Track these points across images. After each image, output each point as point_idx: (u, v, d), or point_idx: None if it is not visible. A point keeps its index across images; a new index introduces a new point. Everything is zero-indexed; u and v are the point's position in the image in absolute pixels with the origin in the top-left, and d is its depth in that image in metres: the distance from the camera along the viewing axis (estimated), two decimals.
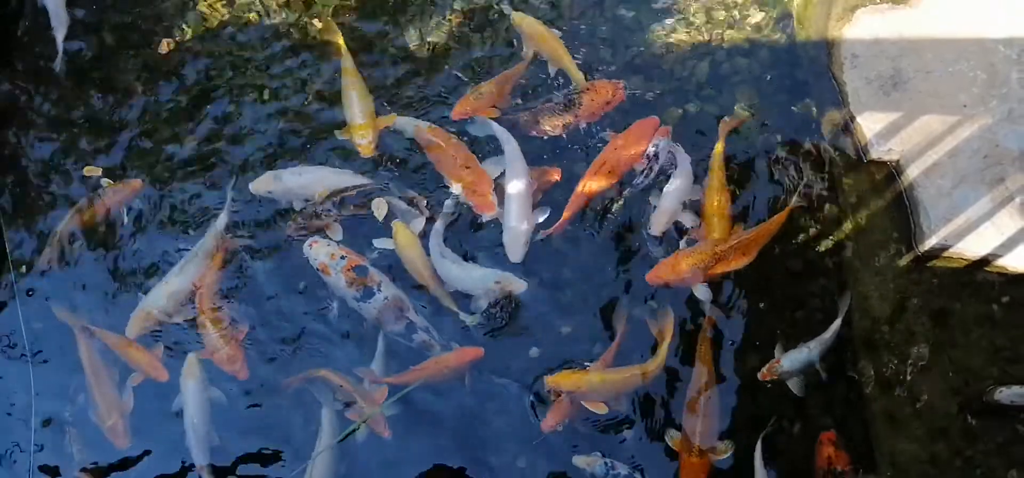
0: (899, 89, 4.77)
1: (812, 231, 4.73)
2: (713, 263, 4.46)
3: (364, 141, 4.79)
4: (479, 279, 4.48)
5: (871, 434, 4.29)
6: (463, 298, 4.52)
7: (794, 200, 4.65)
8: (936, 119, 4.63)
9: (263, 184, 4.66)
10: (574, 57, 5.13)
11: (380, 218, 4.66)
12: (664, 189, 4.73)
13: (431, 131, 4.83)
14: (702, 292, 4.51)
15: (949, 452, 4.17)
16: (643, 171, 4.75)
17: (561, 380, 4.27)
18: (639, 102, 5.06)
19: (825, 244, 4.69)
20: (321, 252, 4.51)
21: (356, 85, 4.94)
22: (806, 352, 4.36)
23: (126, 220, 4.73)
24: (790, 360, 4.35)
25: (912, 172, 4.55)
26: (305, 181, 4.69)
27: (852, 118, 4.80)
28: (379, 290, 4.41)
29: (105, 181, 4.77)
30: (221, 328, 4.36)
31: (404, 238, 4.58)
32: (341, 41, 5.07)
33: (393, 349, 4.43)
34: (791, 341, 4.43)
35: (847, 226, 4.70)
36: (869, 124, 4.73)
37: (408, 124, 4.90)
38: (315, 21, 5.31)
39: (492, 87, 4.99)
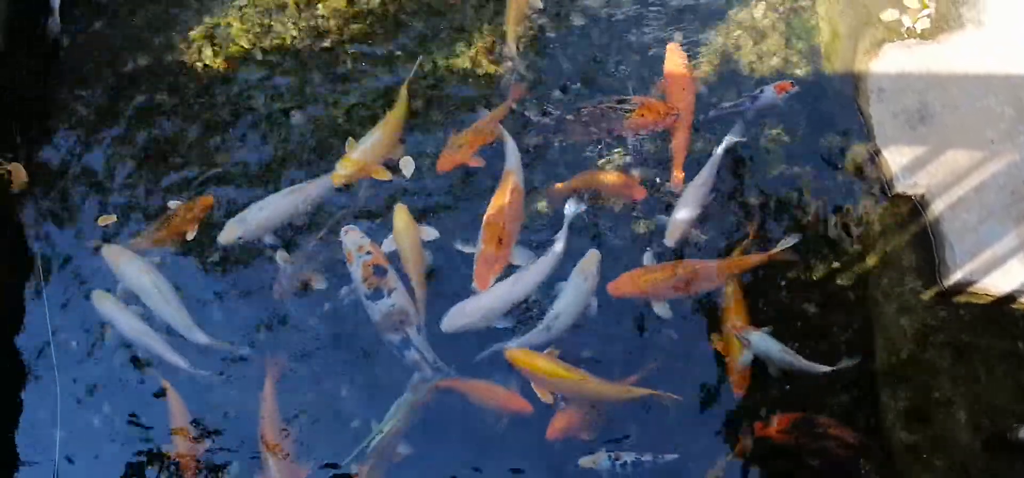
0: (925, 123, 4.76)
1: (837, 263, 4.72)
2: (674, 283, 4.52)
3: (341, 171, 4.80)
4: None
5: (893, 468, 4.25)
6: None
7: (779, 248, 4.65)
8: (962, 154, 4.60)
9: (230, 233, 4.62)
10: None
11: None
12: (679, 200, 4.78)
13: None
14: (661, 309, 4.53)
15: None
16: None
17: (516, 355, 4.35)
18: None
19: (849, 276, 4.68)
20: (351, 240, 4.61)
21: (384, 128, 4.95)
22: (780, 351, 4.39)
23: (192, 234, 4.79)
24: (758, 340, 4.41)
25: (938, 206, 4.53)
26: (268, 214, 4.68)
27: (878, 151, 4.80)
28: (388, 295, 4.47)
29: (173, 203, 4.82)
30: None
31: (402, 221, 4.68)
32: (405, 94, 5.10)
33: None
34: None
35: (871, 259, 4.68)
36: (895, 157, 4.72)
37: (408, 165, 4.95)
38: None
39: (470, 136, 4.97)
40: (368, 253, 4.56)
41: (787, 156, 5.05)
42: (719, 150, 4.89)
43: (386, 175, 4.85)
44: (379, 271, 4.52)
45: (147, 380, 4.47)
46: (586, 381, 4.32)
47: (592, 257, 4.63)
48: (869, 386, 4.44)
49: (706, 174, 4.84)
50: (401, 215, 4.70)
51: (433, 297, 4.61)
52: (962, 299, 4.38)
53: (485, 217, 4.67)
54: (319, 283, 4.61)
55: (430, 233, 4.75)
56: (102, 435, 4.39)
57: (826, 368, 4.36)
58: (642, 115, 4.99)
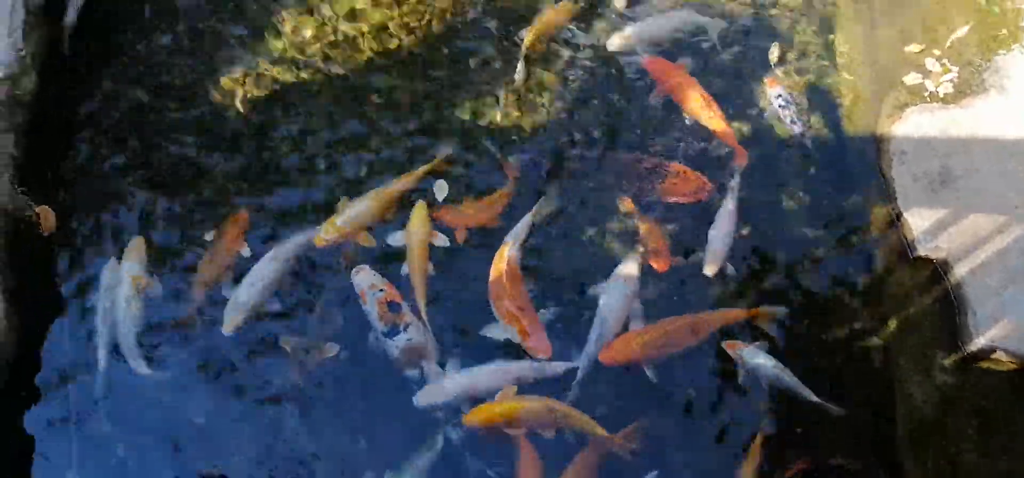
0: (947, 187, 4.74)
1: (857, 326, 4.68)
2: (665, 343, 4.49)
3: (325, 235, 4.77)
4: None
5: None
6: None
7: (765, 308, 4.66)
8: (985, 218, 4.58)
9: (232, 322, 4.58)
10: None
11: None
12: (711, 229, 4.83)
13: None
14: (652, 373, 4.47)
15: None
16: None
17: (473, 417, 4.30)
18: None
19: (870, 340, 4.64)
20: (364, 280, 4.63)
21: (376, 197, 4.93)
22: (773, 368, 4.44)
23: (247, 251, 4.86)
24: (752, 355, 4.45)
25: (960, 270, 4.49)
26: (261, 287, 4.65)
27: (899, 214, 4.77)
28: (404, 330, 4.49)
29: (209, 235, 4.87)
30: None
31: (418, 219, 4.78)
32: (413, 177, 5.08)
33: None
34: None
35: (893, 322, 4.64)
36: (916, 221, 4.70)
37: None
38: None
39: (473, 208, 4.97)
40: (381, 290, 4.59)
41: (808, 217, 5.04)
42: (734, 182, 4.98)
43: (371, 242, 4.83)
44: (394, 307, 4.54)
45: (165, 424, 4.48)
46: (551, 407, 4.30)
47: (632, 262, 4.70)
48: (890, 451, 4.37)
49: (729, 204, 4.91)
50: (419, 213, 4.79)
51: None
52: (985, 365, 4.32)
53: (501, 299, 4.63)
54: (330, 353, 4.56)
55: (442, 240, 4.82)
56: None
57: (815, 398, 4.36)
58: (675, 184, 4.98)
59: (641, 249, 4.80)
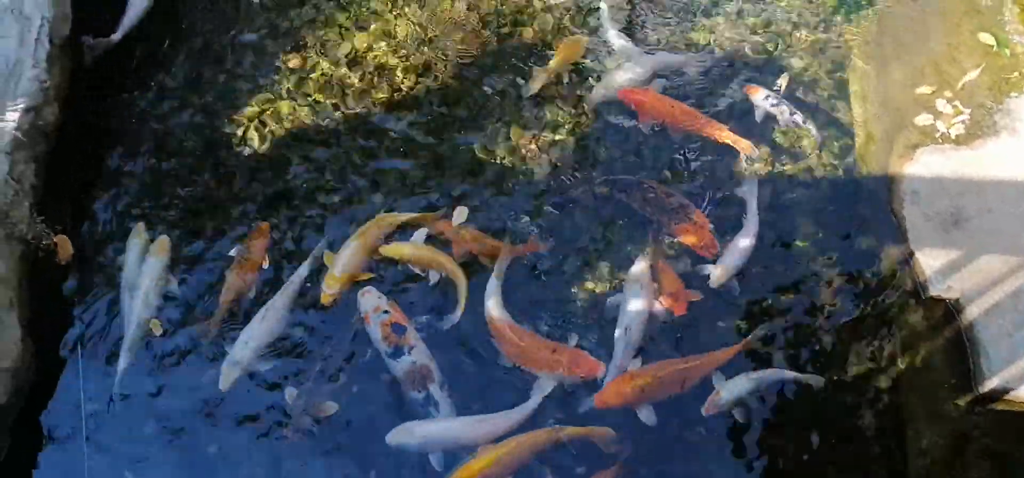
0: (959, 227, 4.75)
1: (869, 366, 4.68)
2: (658, 386, 4.46)
3: (328, 290, 4.76)
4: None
5: None
6: None
7: (752, 336, 4.67)
8: (997, 259, 4.58)
9: (228, 379, 4.55)
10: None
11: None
12: (730, 244, 4.90)
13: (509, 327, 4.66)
14: (646, 415, 4.45)
15: None
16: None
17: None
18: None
19: (881, 380, 4.63)
20: (368, 303, 4.67)
21: (362, 237, 4.92)
22: (746, 381, 4.47)
23: (267, 263, 4.95)
24: (729, 390, 4.44)
25: (972, 311, 4.49)
26: (256, 344, 4.62)
27: (911, 254, 4.78)
28: (408, 353, 4.50)
29: (235, 250, 4.94)
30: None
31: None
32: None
33: None
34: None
35: (904, 362, 4.63)
36: (928, 261, 4.70)
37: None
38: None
39: (475, 240, 4.97)
40: (386, 312, 4.61)
41: (820, 256, 5.04)
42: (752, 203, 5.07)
43: (368, 275, 4.85)
44: (398, 329, 4.56)
45: (177, 454, 4.50)
46: (512, 445, 4.28)
47: (641, 264, 4.79)
48: None
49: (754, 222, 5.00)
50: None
51: None
52: (998, 407, 4.32)
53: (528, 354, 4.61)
54: (330, 411, 4.50)
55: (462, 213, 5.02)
56: None
57: (793, 374, 4.52)
58: (687, 231, 4.98)
59: (655, 287, 4.81)
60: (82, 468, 4.42)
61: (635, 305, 4.69)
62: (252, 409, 4.57)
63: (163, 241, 4.96)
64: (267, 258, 4.96)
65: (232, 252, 4.96)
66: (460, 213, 5.09)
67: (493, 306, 4.69)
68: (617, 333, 4.65)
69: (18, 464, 4.40)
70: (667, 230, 5.01)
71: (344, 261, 4.84)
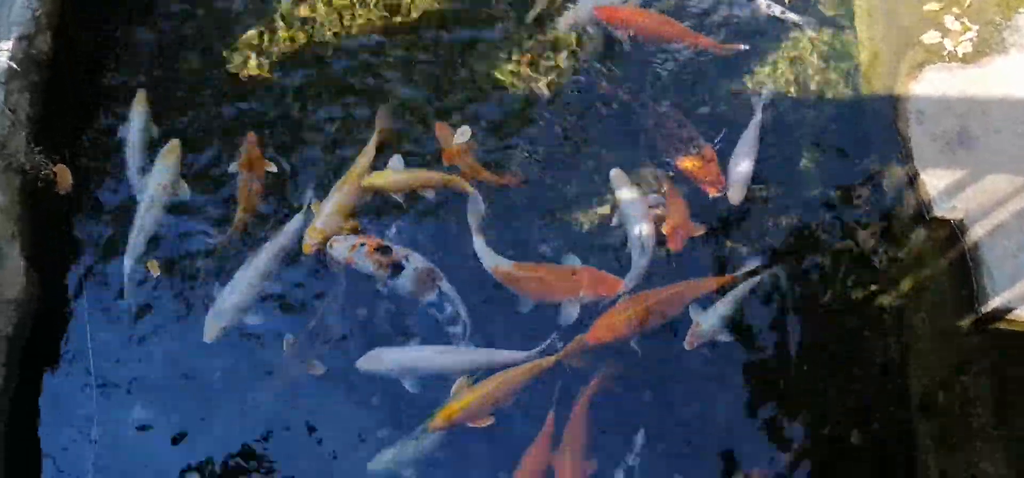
0: (965, 147, 4.71)
1: (873, 287, 4.68)
2: (647, 316, 4.46)
3: (310, 241, 4.68)
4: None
5: None
6: None
7: (744, 269, 4.68)
8: (1003, 179, 4.55)
9: (213, 329, 4.50)
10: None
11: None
12: (733, 158, 4.92)
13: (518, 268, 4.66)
14: (638, 347, 4.45)
15: None
16: None
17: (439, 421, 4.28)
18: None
19: (885, 300, 4.64)
20: (341, 248, 4.59)
21: (342, 188, 4.84)
22: (722, 307, 4.52)
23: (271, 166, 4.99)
24: (708, 320, 4.47)
25: (976, 231, 4.48)
26: (240, 295, 4.57)
27: (916, 174, 4.75)
28: (407, 262, 4.52)
29: (233, 167, 4.97)
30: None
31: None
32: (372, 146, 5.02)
33: None
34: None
35: (908, 283, 4.64)
36: (933, 181, 4.67)
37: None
38: None
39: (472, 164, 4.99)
40: (363, 245, 4.57)
41: (824, 177, 5.03)
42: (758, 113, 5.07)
43: (355, 225, 4.78)
44: (384, 251, 4.53)
45: (184, 383, 4.54)
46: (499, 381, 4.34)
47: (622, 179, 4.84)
48: (904, 413, 4.39)
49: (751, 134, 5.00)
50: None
51: None
52: (1001, 326, 4.32)
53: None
54: (317, 370, 4.49)
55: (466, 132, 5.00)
56: (139, 443, 4.44)
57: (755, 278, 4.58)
58: (698, 165, 4.90)
59: (659, 212, 4.79)
60: (90, 400, 4.46)
61: (641, 222, 4.70)
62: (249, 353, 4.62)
63: (174, 145, 4.98)
64: (268, 162, 4.97)
65: (231, 169, 4.97)
66: (463, 132, 5.04)
67: (491, 259, 4.66)
68: (633, 251, 4.67)
69: (25, 397, 4.43)
70: (672, 159, 4.97)
71: (327, 211, 4.75)
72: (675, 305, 4.54)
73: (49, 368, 4.53)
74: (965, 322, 4.40)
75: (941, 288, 4.54)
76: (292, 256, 4.76)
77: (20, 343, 4.42)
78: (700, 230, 4.77)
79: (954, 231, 4.57)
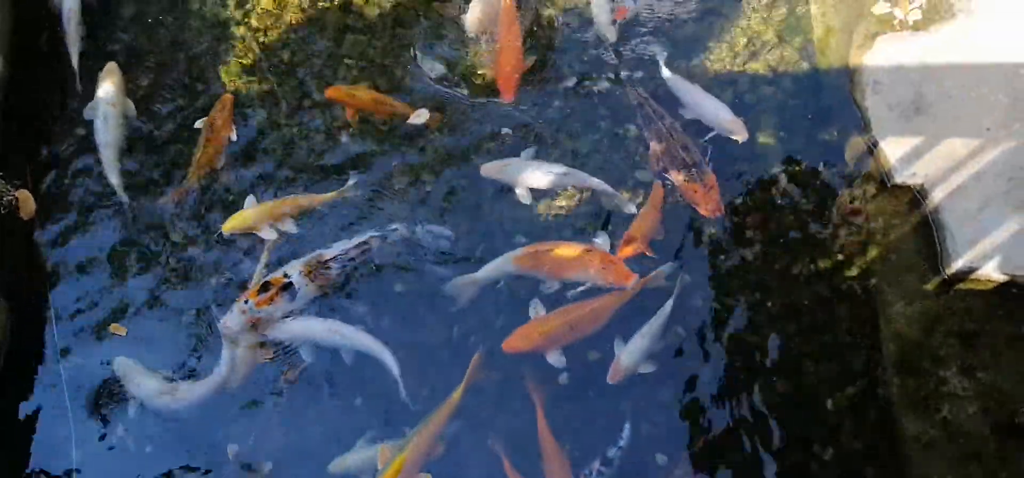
0: (922, 114, 4.82)
1: (839, 256, 4.78)
2: (566, 332, 4.49)
3: (226, 225, 4.76)
4: None
5: (903, 459, 4.31)
6: None
7: (653, 274, 4.63)
8: (960, 143, 4.66)
9: None
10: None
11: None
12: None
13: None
14: (555, 359, 4.49)
15: (983, 475, 4.17)
16: None
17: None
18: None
19: (852, 269, 4.73)
20: (235, 318, 4.46)
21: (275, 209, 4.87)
22: (640, 340, 4.49)
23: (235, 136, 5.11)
24: (629, 354, 4.47)
25: (937, 195, 4.59)
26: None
27: (875, 143, 4.85)
28: (289, 276, 4.48)
29: (200, 122, 5.08)
30: None
31: None
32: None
33: None
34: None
35: (873, 251, 4.73)
36: (892, 149, 4.77)
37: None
38: None
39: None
40: (247, 301, 4.44)
41: (784, 151, 5.11)
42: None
43: (272, 235, 4.77)
44: (265, 288, 4.44)
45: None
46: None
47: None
48: (877, 377, 4.49)
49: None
50: None
51: None
52: (966, 286, 4.43)
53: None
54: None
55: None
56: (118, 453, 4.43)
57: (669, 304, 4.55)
58: (698, 193, 4.84)
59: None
60: (67, 424, 4.42)
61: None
62: None
63: (111, 66, 5.17)
64: (234, 129, 5.07)
65: (198, 124, 5.06)
66: (419, 115, 5.12)
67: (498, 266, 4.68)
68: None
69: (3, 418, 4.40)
70: (674, 182, 4.92)
71: (248, 213, 4.78)
72: (593, 322, 4.54)
73: (25, 395, 4.48)
74: (931, 284, 4.51)
75: (906, 253, 4.63)
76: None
77: None
78: (650, 252, 4.73)
79: (915, 197, 4.68)
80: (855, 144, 5.01)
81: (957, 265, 4.41)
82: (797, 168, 5.05)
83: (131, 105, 5.14)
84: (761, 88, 5.33)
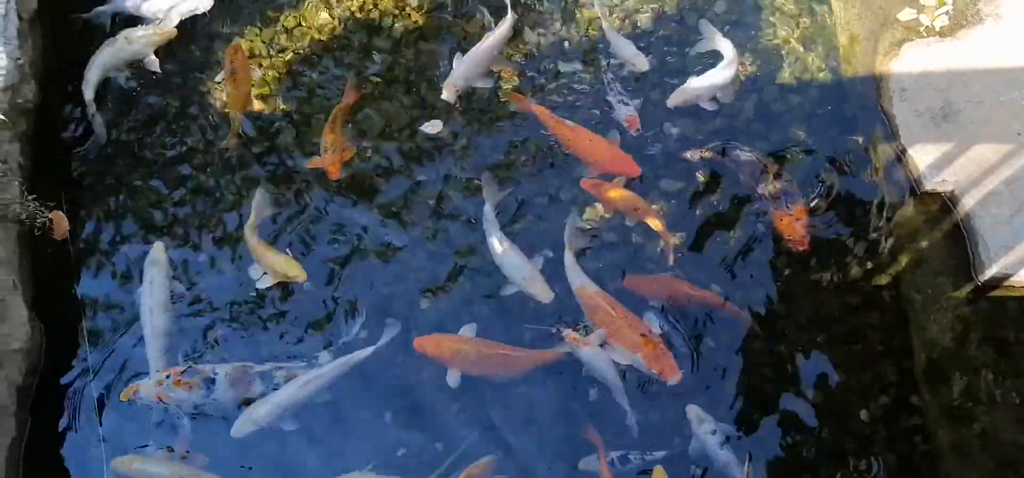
0: (950, 120, 4.79)
1: (869, 264, 4.75)
2: (470, 359, 4.45)
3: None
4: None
5: (938, 468, 4.27)
6: None
7: (571, 334, 4.48)
8: (989, 148, 4.64)
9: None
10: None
11: None
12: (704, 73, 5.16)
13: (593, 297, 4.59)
14: (452, 379, 4.44)
15: None
16: None
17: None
18: (691, 141, 5.12)
19: (882, 277, 4.71)
20: (147, 390, 4.41)
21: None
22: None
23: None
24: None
25: (968, 202, 4.56)
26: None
27: (904, 151, 4.83)
28: (216, 373, 4.43)
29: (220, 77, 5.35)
30: None
31: None
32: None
33: None
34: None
35: (904, 258, 4.71)
36: (921, 156, 4.75)
37: None
38: None
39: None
40: (168, 377, 4.40)
41: (813, 160, 5.09)
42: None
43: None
44: (190, 373, 4.42)
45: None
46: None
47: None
48: (910, 386, 4.45)
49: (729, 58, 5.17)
50: None
51: None
52: (999, 294, 4.41)
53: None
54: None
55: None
56: None
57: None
58: (782, 220, 4.76)
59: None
60: (100, 451, 4.45)
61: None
62: None
63: (158, 246, 4.87)
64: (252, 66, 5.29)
65: (218, 78, 5.32)
66: (433, 124, 5.19)
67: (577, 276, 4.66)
68: None
69: (39, 440, 4.44)
70: (766, 206, 4.88)
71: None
72: (505, 368, 4.48)
73: (58, 414, 4.52)
74: (963, 292, 4.48)
75: (937, 261, 4.61)
76: None
77: (31, 390, 4.44)
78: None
79: (946, 203, 4.66)
80: (883, 152, 4.98)
81: (990, 272, 4.38)
82: (825, 177, 5.03)
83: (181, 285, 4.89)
84: (788, 97, 5.32)
